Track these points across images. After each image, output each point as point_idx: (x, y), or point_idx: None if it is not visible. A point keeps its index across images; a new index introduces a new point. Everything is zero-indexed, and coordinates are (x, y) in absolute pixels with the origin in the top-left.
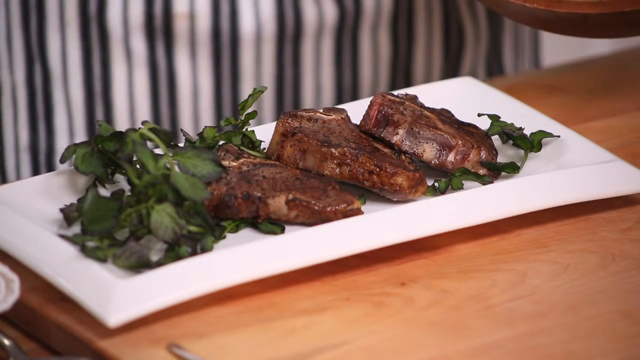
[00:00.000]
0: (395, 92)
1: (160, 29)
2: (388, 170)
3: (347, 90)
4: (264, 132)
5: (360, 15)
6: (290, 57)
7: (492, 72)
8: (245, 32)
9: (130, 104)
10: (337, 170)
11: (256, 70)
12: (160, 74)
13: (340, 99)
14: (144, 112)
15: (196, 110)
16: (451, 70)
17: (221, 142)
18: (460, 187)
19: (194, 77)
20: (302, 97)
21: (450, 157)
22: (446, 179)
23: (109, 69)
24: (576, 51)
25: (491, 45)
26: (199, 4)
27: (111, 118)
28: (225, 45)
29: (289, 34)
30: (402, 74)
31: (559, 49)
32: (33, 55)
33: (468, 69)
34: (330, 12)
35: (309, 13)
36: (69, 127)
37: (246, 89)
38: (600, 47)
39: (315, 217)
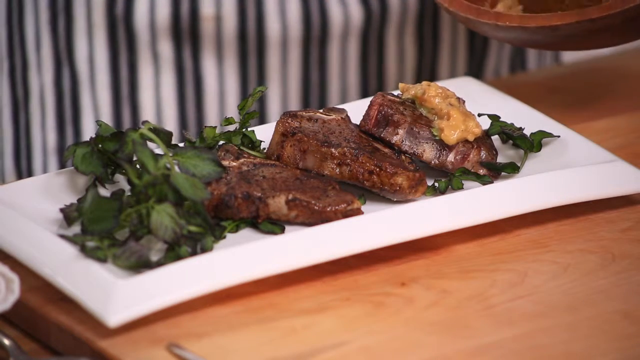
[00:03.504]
0: (395, 92)
1: (186, 32)
2: (388, 170)
3: (373, 91)
4: (264, 132)
5: (386, 17)
6: (316, 59)
7: (516, 70)
8: (271, 35)
9: (157, 107)
10: (337, 170)
11: (282, 73)
12: (187, 76)
13: None
14: (170, 114)
15: (222, 113)
16: (475, 70)
17: (221, 142)
18: (460, 187)
19: (220, 79)
20: (328, 99)
21: (450, 157)
22: (446, 179)
23: (135, 71)
24: (576, 52)
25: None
26: (225, 7)
27: (138, 120)
28: (251, 48)
29: (315, 36)
30: (428, 75)
31: None
32: (61, 59)
33: (492, 68)
34: (356, 13)
35: (335, 15)
36: (96, 129)
37: (272, 91)
38: None
39: (315, 217)
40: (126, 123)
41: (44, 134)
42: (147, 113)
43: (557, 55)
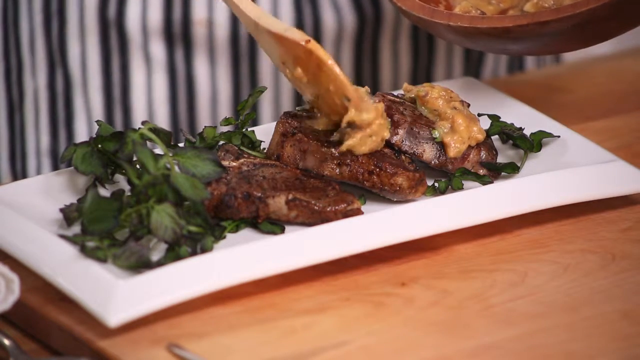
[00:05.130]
0: (395, 92)
1: (179, 35)
2: (388, 170)
3: None
4: (264, 132)
5: (381, 21)
6: None
7: (513, 72)
8: None
9: (149, 109)
10: (337, 170)
11: (275, 77)
12: (179, 79)
13: None
14: (162, 117)
15: (215, 116)
16: (472, 73)
17: (221, 142)
18: (460, 187)
19: (212, 83)
20: None
21: None
22: (446, 179)
23: (128, 74)
24: (575, 51)
25: None
26: (218, 11)
27: (130, 123)
28: (243, 51)
29: None
30: (423, 80)
31: None
32: (55, 61)
33: (489, 71)
34: (350, 18)
35: (328, 20)
36: (89, 132)
37: (265, 95)
38: (600, 47)
39: (315, 217)
40: (118, 125)
41: (38, 136)
42: (139, 115)
43: (557, 57)
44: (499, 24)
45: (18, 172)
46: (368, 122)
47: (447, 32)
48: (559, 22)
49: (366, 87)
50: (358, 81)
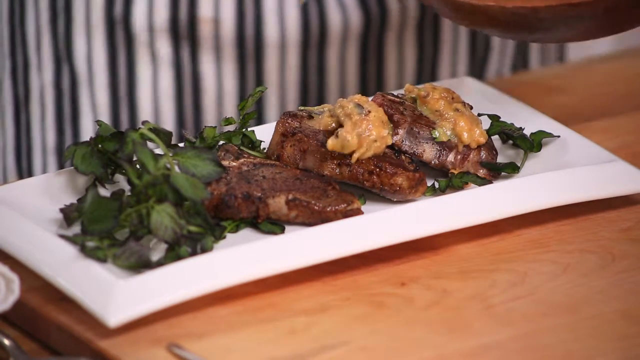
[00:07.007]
0: (395, 92)
1: (185, 33)
2: (388, 170)
3: (371, 95)
4: (264, 132)
5: (386, 21)
6: (314, 63)
7: (518, 71)
8: (269, 38)
9: (155, 107)
10: (337, 170)
11: (280, 76)
12: (185, 78)
13: None
14: (168, 115)
15: (221, 114)
16: (476, 73)
17: (221, 142)
18: (460, 187)
19: (218, 81)
20: (326, 103)
21: (450, 157)
22: (446, 179)
23: (134, 72)
24: (576, 51)
25: (517, 45)
26: (224, 9)
27: (136, 121)
28: (249, 51)
29: (313, 40)
30: (428, 80)
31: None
32: (61, 58)
33: (494, 71)
34: (356, 18)
35: (334, 19)
36: (95, 129)
37: (271, 95)
38: (600, 47)
39: (315, 217)
40: (124, 123)
41: (44, 133)
42: (145, 113)
43: (562, 58)
44: (528, 3)
45: (24, 169)
46: (352, 146)
47: (473, 16)
48: (591, 5)
49: (358, 97)
50: (363, 80)
